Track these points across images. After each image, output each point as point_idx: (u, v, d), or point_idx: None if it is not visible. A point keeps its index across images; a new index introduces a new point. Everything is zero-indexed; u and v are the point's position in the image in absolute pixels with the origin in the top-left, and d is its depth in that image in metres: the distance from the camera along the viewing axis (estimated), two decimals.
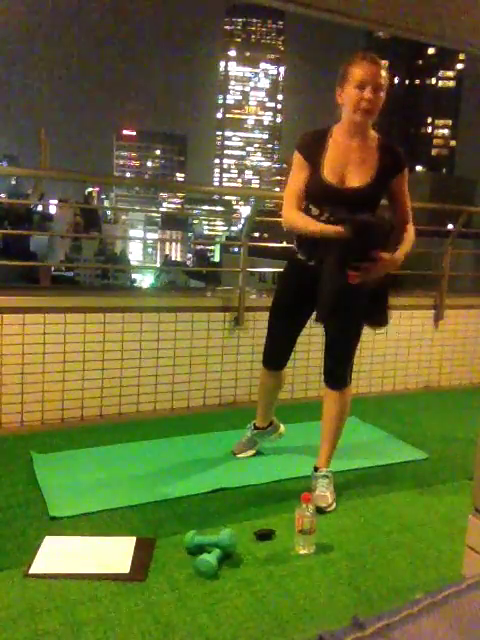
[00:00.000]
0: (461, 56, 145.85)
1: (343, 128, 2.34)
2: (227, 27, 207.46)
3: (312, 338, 4.10)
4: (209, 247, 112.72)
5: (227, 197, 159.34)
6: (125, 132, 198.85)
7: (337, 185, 2.31)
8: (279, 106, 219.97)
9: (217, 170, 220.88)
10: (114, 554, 2.05)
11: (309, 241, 2.40)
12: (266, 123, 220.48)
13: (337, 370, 2.58)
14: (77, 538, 2.15)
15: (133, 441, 3.12)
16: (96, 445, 3.04)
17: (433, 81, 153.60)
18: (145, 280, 73.98)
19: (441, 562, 2.11)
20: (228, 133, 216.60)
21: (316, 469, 2.60)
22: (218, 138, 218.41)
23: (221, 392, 3.85)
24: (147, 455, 2.96)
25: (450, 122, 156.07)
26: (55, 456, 2.87)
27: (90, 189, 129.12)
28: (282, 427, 3.08)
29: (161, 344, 3.61)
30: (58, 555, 2.03)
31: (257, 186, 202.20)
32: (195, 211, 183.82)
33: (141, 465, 2.82)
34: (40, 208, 65.89)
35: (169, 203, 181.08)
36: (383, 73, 2.23)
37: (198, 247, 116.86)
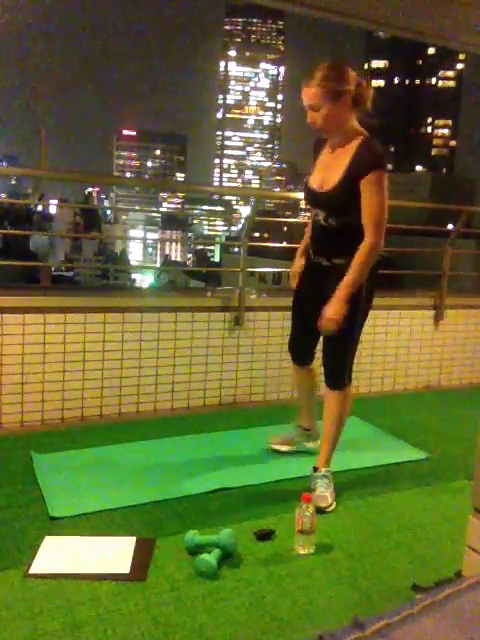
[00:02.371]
0: (461, 56, 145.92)
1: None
2: (227, 27, 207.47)
3: None
4: (209, 247, 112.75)
5: (227, 197, 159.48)
6: (125, 132, 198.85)
7: (316, 189, 2.48)
8: (279, 106, 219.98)
9: (217, 170, 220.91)
10: (114, 554, 2.05)
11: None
12: (266, 123, 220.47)
13: (335, 370, 2.58)
14: (77, 538, 2.15)
15: (133, 441, 3.12)
16: (96, 445, 3.04)
17: (433, 81, 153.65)
18: (145, 280, 73.97)
19: (441, 562, 2.11)
20: (228, 133, 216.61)
21: (315, 469, 2.60)
22: (218, 138, 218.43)
23: (221, 392, 3.85)
24: (147, 455, 2.96)
25: (450, 122, 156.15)
26: (55, 456, 2.87)
27: (90, 189, 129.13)
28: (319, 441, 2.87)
29: (161, 344, 3.61)
30: (58, 555, 2.03)
31: (257, 186, 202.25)
32: (195, 211, 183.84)
33: (141, 465, 2.82)
34: (40, 208, 65.93)
35: (169, 203, 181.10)
36: (308, 91, 2.32)
37: (198, 247, 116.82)
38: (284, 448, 3.03)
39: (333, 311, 2.34)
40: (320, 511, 2.33)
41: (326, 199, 2.42)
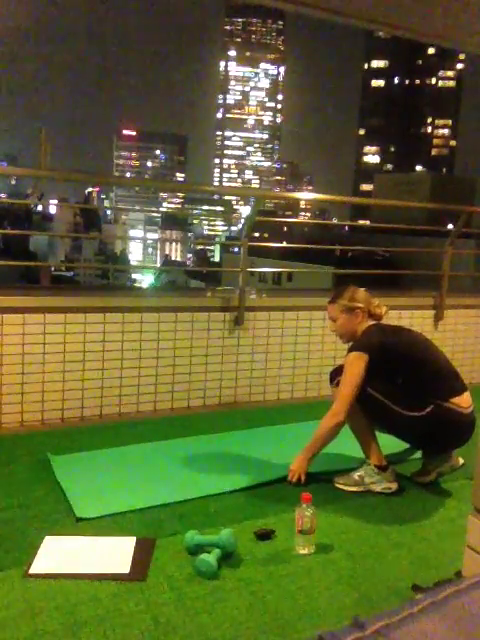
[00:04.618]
0: (461, 56, 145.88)
1: None
2: (227, 27, 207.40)
3: (312, 338, 4.11)
4: (209, 247, 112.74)
5: (227, 197, 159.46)
6: (125, 132, 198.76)
7: None
8: (279, 106, 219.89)
9: (217, 170, 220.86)
10: (114, 554, 2.05)
11: None
12: (266, 123, 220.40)
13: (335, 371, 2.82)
14: (77, 538, 2.15)
15: (134, 443, 3.12)
16: (97, 446, 3.04)
17: (433, 81, 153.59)
18: (145, 280, 73.97)
19: (441, 562, 2.11)
20: (228, 133, 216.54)
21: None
22: (218, 138, 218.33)
23: (221, 392, 3.85)
24: (148, 458, 2.96)
25: (450, 122, 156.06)
26: (66, 457, 2.87)
27: (90, 189, 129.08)
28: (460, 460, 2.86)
29: (161, 344, 3.61)
30: (58, 555, 2.03)
31: (257, 186, 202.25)
32: (195, 211, 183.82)
33: (142, 469, 2.82)
34: (40, 208, 65.92)
35: (169, 203, 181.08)
36: (331, 307, 2.81)
37: (198, 247, 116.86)
38: (351, 489, 2.72)
39: (296, 464, 2.66)
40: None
41: None
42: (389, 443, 2.81)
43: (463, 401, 2.61)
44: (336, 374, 2.82)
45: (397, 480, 2.70)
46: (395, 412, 2.59)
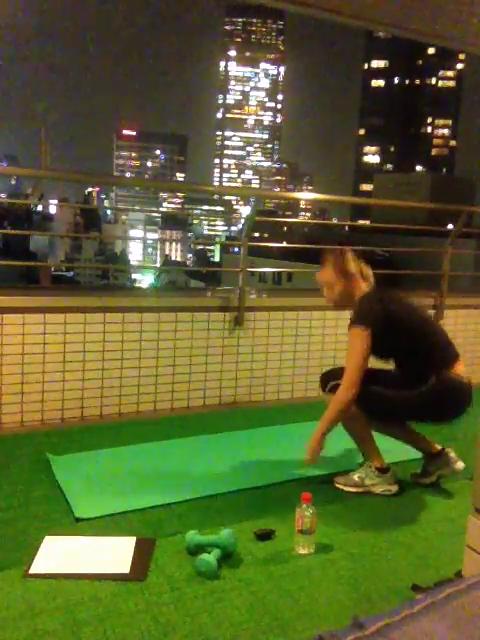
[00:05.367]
0: (461, 56, 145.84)
1: None
2: (227, 27, 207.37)
3: (312, 338, 4.11)
4: (209, 247, 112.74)
5: (227, 197, 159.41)
6: (125, 132, 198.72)
7: None
8: (279, 106, 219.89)
9: (217, 170, 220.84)
10: (114, 554, 2.05)
11: None
12: (266, 123, 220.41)
13: (325, 375, 2.80)
14: (77, 538, 2.15)
15: (134, 443, 3.12)
16: (97, 446, 3.04)
17: (433, 81, 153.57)
18: (145, 280, 73.96)
19: (441, 562, 2.11)
20: (228, 133, 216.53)
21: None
22: (218, 138, 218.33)
23: (221, 392, 3.85)
24: (149, 458, 2.96)
25: (450, 122, 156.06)
26: (65, 458, 2.87)
27: (90, 189, 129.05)
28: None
29: (161, 344, 3.61)
30: (58, 555, 2.03)
31: (257, 186, 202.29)
32: (195, 211, 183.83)
33: (143, 469, 2.81)
34: (40, 208, 65.89)
35: (169, 203, 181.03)
36: (323, 271, 2.68)
37: (198, 247, 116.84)
38: (350, 489, 2.70)
39: (309, 449, 2.55)
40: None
41: None
42: (390, 447, 2.81)
43: (460, 369, 2.69)
44: (329, 378, 2.76)
45: (397, 482, 2.69)
46: (399, 398, 2.58)
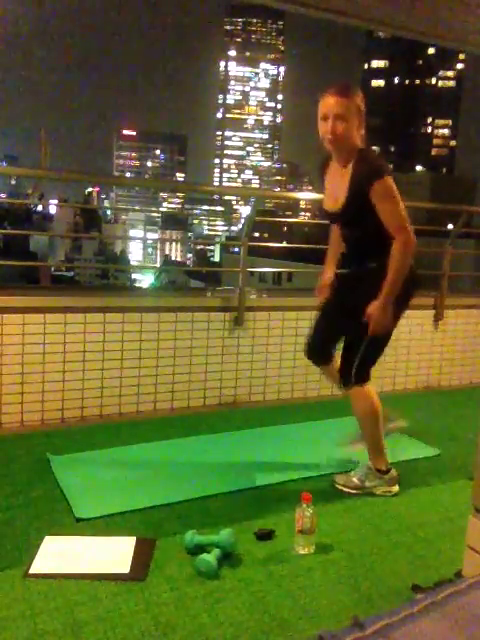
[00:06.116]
0: (461, 56, 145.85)
1: (332, 154, 2.54)
2: (227, 27, 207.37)
3: None
4: (209, 247, 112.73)
5: (227, 197, 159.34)
6: (125, 132, 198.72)
7: (329, 209, 2.59)
8: (279, 106, 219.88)
9: (217, 170, 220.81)
10: (114, 554, 2.05)
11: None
12: (266, 123, 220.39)
13: (342, 369, 2.66)
14: (77, 538, 2.15)
15: (134, 443, 3.12)
16: (97, 446, 3.04)
17: (433, 81, 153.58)
18: (145, 280, 73.95)
19: (441, 562, 2.11)
20: (228, 133, 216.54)
21: None
22: (218, 138, 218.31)
23: (221, 392, 3.85)
24: (148, 458, 2.96)
25: (450, 122, 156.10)
26: (65, 458, 2.87)
27: (90, 189, 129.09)
28: (401, 421, 2.99)
29: (161, 344, 3.61)
30: (58, 555, 2.03)
31: (257, 186, 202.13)
32: (195, 211, 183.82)
33: (142, 469, 2.81)
34: (40, 208, 65.88)
35: (169, 203, 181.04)
36: (343, 101, 2.37)
37: (198, 247, 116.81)
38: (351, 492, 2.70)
39: (378, 316, 2.41)
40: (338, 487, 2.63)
41: (339, 216, 2.54)
42: (391, 447, 2.81)
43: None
44: (325, 351, 2.78)
45: (397, 483, 2.68)
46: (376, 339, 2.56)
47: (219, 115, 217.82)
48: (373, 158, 2.45)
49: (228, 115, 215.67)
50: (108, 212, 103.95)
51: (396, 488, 2.66)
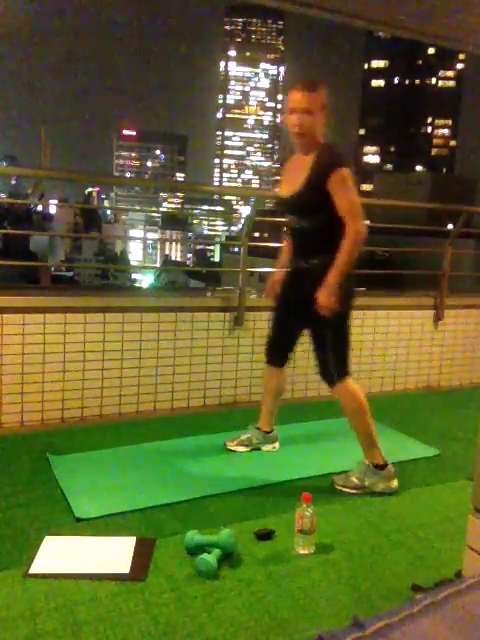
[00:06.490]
0: (461, 56, 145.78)
1: (296, 147, 2.67)
2: (227, 27, 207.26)
3: None
4: (209, 247, 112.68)
5: (227, 197, 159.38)
6: (125, 132, 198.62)
7: (286, 194, 2.67)
8: (279, 106, 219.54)
9: (217, 170, 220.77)
10: (114, 554, 2.05)
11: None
12: (266, 123, 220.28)
13: (321, 367, 2.72)
14: (77, 538, 2.15)
15: (133, 443, 3.12)
16: (97, 446, 3.04)
17: (433, 81, 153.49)
18: (145, 280, 73.91)
19: (441, 562, 2.11)
20: (228, 133, 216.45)
21: None
22: (218, 138, 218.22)
23: (221, 392, 3.85)
24: (148, 458, 2.96)
25: (450, 122, 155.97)
26: (66, 458, 2.87)
27: (90, 189, 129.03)
28: (277, 443, 3.14)
29: (161, 344, 3.61)
30: (58, 555, 2.03)
31: (257, 186, 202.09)
32: (195, 211, 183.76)
33: (142, 469, 2.81)
34: (40, 208, 65.84)
35: (169, 203, 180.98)
36: (309, 96, 2.49)
37: (198, 247, 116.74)
38: (241, 449, 3.06)
39: (323, 299, 2.49)
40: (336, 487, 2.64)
41: (294, 202, 2.62)
42: (391, 447, 2.81)
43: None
44: (284, 351, 2.90)
45: (396, 477, 2.68)
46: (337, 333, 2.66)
47: (219, 115, 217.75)
48: (336, 150, 2.58)
49: (228, 115, 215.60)
50: (108, 212, 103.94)
51: (395, 483, 2.67)
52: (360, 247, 2.51)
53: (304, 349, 4.07)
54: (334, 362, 2.65)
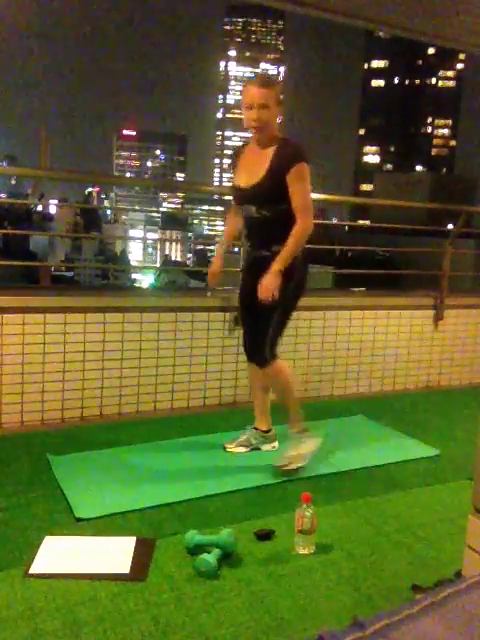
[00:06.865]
0: (461, 56, 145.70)
1: (252, 140, 2.80)
2: (227, 27, 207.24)
3: (311, 339, 4.11)
4: (209, 247, 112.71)
5: (227, 197, 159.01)
6: (125, 132, 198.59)
7: (243, 186, 2.75)
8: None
9: (217, 170, 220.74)
10: (114, 554, 2.05)
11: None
12: None
13: (254, 347, 2.87)
14: (77, 538, 2.15)
15: (134, 443, 3.12)
16: (97, 446, 3.04)
17: (433, 81, 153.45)
18: (145, 280, 73.90)
19: (441, 562, 2.11)
20: (228, 133, 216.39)
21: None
22: (218, 138, 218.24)
23: (221, 392, 3.85)
24: (148, 458, 2.96)
25: (450, 122, 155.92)
26: (65, 458, 2.87)
27: (90, 189, 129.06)
28: (276, 443, 3.15)
29: (161, 344, 3.61)
30: (58, 555, 2.03)
31: None
32: (195, 211, 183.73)
33: (142, 469, 2.81)
34: (40, 208, 65.85)
35: (169, 203, 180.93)
36: (265, 91, 2.60)
37: (198, 247, 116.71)
38: (240, 450, 3.07)
39: (267, 282, 2.57)
40: (284, 473, 2.72)
41: (253, 192, 2.69)
42: (390, 447, 2.81)
43: None
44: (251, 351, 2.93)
45: (276, 439, 3.05)
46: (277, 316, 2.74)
47: (219, 115, 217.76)
48: (297, 145, 2.68)
49: (228, 115, 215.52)
50: (108, 212, 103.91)
51: (276, 444, 3.04)
52: (306, 238, 2.64)
53: (304, 349, 4.08)
54: (270, 346, 2.75)
